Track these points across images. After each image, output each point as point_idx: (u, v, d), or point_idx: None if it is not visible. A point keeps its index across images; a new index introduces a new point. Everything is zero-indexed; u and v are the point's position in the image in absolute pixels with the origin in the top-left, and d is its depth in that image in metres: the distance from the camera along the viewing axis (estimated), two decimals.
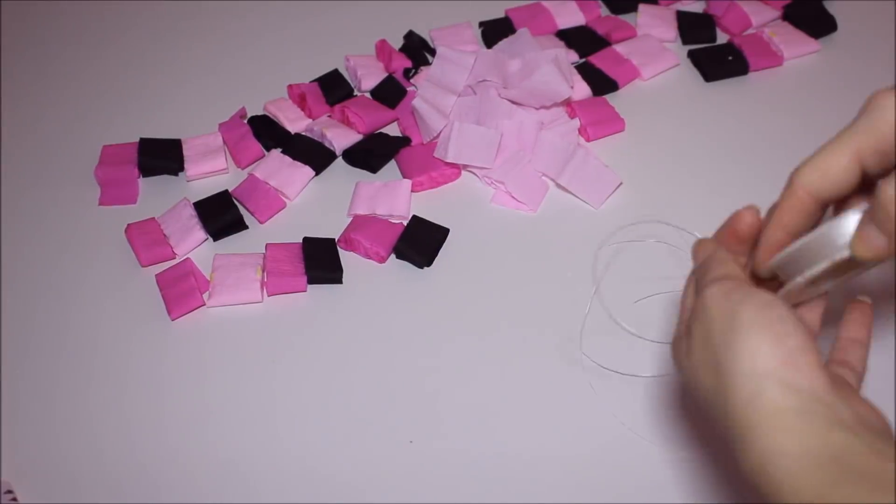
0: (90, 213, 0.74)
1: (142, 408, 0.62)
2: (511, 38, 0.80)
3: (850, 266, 0.38)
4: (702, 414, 0.41)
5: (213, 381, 0.63)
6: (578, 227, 0.70)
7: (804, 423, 0.33)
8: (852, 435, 0.33)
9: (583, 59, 0.83)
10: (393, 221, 0.71)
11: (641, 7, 0.87)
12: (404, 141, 0.77)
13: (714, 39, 0.85)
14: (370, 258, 0.69)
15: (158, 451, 0.60)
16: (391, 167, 0.76)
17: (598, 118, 0.77)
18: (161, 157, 0.76)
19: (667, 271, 0.67)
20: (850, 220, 0.37)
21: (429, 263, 0.69)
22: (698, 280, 0.41)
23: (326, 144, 0.77)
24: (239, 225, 0.72)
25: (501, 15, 0.88)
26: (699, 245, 0.44)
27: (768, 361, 0.35)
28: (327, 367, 0.63)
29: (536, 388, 0.61)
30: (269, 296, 0.67)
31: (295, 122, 0.79)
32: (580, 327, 0.64)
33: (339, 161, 0.77)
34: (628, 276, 0.67)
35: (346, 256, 0.70)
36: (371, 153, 0.75)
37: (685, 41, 0.85)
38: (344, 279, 0.68)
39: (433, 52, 0.84)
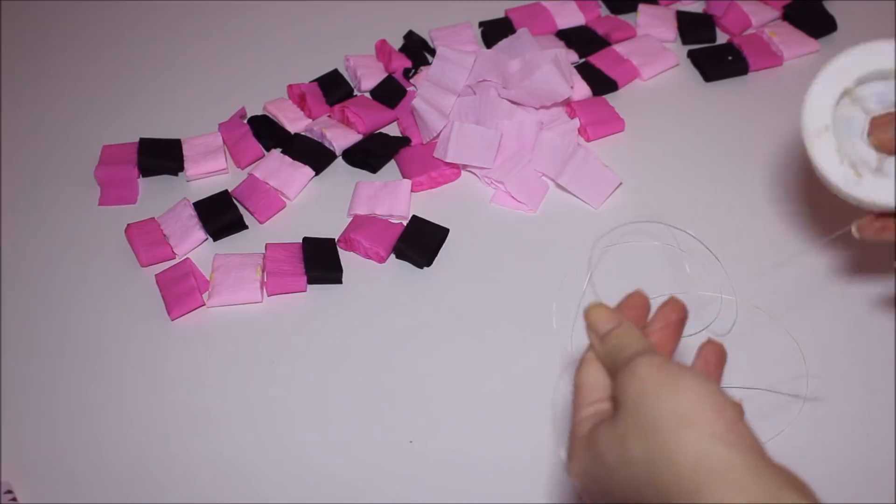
0: (90, 213, 0.74)
1: (142, 408, 0.62)
2: (511, 38, 0.80)
3: None
4: (615, 492, 0.38)
5: (213, 380, 0.63)
6: (578, 227, 0.70)
7: (756, 481, 0.34)
8: (800, 495, 0.34)
9: (583, 59, 0.83)
10: (393, 221, 0.71)
11: (641, 7, 0.87)
12: (404, 141, 0.77)
13: (714, 39, 0.85)
14: (370, 258, 0.69)
15: (158, 450, 0.60)
16: (391, 167, 0.76)
17: (598, 118, 0.77)
18: (161, 157, 0.76)
19: (665, 272, 0.67)
20: None
21: (429, 263, 0.69)
22: (615, 354, 0.40)
23: (326, 144, 0.77)
24: (239, 225, 0.72)
25: (501, 15, 0.88)
26: (596, 312, 0.42)
27: (715, 427, 0.35)
28: (327, 367, 0.63)
29: (536, 388, 0.61)
30: (269, 296, 0.68)
31: (295, 122, 0.79)
32: (570, 325, 0.64)
33: (339, 161, 0.77)
34: (626, 277, 0.67)
35: (346, 256, 0.70)
36: (371, 153, 0.75)
37: (685, 41, 0.85)
38: (344, 279, 0.68)
39: (433, 52, 0.84)
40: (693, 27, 0.85)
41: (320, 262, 0.68)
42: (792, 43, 0.83)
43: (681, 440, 0.35)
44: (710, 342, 0.43)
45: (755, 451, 0.35)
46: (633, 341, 0.40)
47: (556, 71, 0.73)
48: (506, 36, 0.81)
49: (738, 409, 0.37)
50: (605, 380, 0.41)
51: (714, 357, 0.42)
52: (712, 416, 0.35)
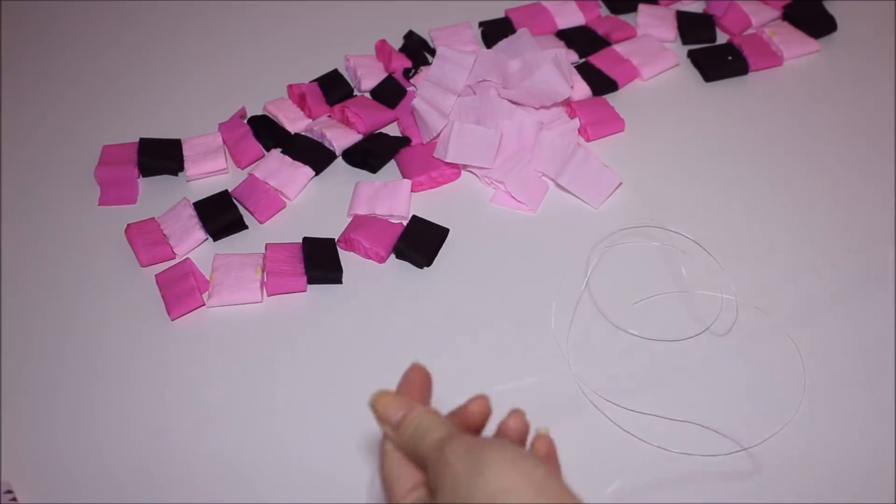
0: (90, 213, 0.74)
1: (142, 408, 0.62)
2: (511, 38, 0.80)
3: None
4: None
5: (213, 381, 0.63)
6: (578, 227, 0.70)
7: None
8: None
9: (583, 59, 0.83)
10: (393, 221, 0.71)
11: (641, 7, 0.87)
12: (404, 141, 0.77)
13: (714, 39, 0.85)
14: (370, 258, 0.69)
15: (158, 450, 0.60)
16: (391, 167, 0.76)
17: (598, 118, 0.77)
18: (161, 157, 0.76)
19: (665, 273, 0.67)
20: None
21: (429, 263, 0.69)
22: (416, 442, 0.40)
23: (326, 144, 0.77)
24: (239, 225, 0.72)
25: (501, 15, 0.88)
26: (383, 401, 0.42)
27: (523, 495, 0.35)
28: (327, 367, 0.63)
29: (536, 388, 0.61)
30: (269, 296, 0.68)
31: (295, 122, 0.79)
32: (567, 327, 0.64)
33: (339, 161, 0.77)
34: (626, 278, 0.67)
35: (346, 256, 0.70)
36: (371, 153, 0.75)
37: (685, 41, 0.85)
38: (344, 279, 0.68)
39: (433, 52, 0.84)
40: (693, 27, 0.85)
41: (320, 262, 0.68)
42: (792, 43, 0.83)
43: None
44: (539, 437, 0.41)
45: None
46: (431, 426, 0.40)
47: (556, 71, 0.73)
48: (506, 36, 0.81)
49: (547, 468, 0.36)
50: (410, 468, 0.41)
51: (544, 450, 0.41)
52: (519, 485, 0.35)
